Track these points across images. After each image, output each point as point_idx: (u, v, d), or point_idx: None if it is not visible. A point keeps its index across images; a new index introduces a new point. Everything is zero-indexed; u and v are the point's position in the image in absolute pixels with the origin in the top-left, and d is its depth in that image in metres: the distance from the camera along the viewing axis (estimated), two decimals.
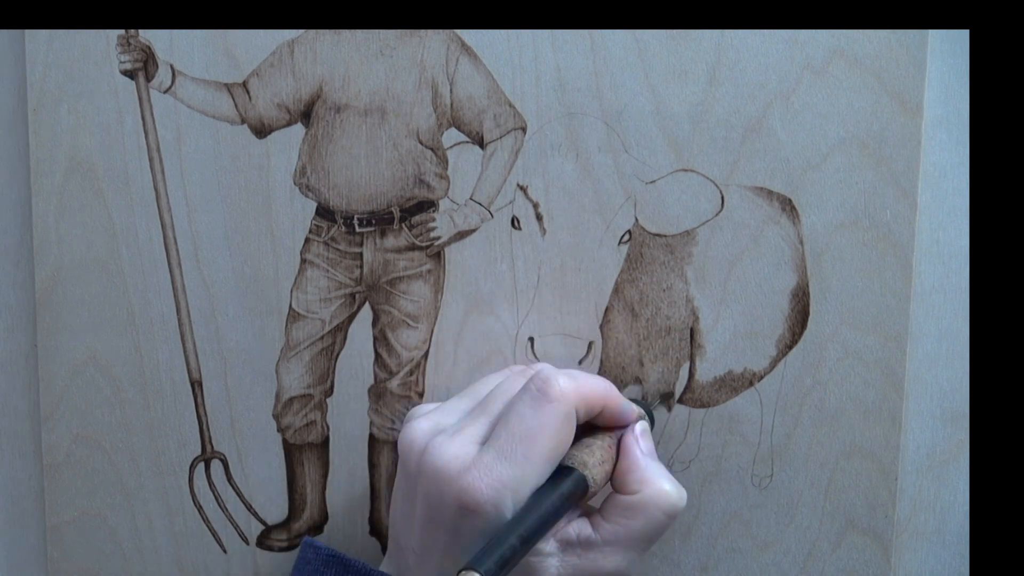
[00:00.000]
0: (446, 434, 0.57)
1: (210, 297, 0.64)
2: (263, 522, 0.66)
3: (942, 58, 0.61)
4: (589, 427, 0.59)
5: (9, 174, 0.64)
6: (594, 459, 0.57)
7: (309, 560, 0.61)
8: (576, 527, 0.57)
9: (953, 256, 0.63)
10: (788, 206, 0.62)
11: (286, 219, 0.63)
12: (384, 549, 0.66)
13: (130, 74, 0.63)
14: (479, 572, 0.51)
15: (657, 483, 0.57)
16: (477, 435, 0.57)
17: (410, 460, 0.57)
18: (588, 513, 0.58)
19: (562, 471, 0.56)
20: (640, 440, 0.59)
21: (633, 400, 0.62)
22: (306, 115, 0.63)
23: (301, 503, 0.66)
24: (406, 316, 0.64)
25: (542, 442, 0.55)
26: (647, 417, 0.61)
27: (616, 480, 0.58)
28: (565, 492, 0.55)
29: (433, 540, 0.56)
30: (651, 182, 0.62)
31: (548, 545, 0.56)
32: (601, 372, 0.64)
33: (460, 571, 0.51)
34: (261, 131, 0.63)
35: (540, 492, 0.55)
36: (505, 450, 0.55)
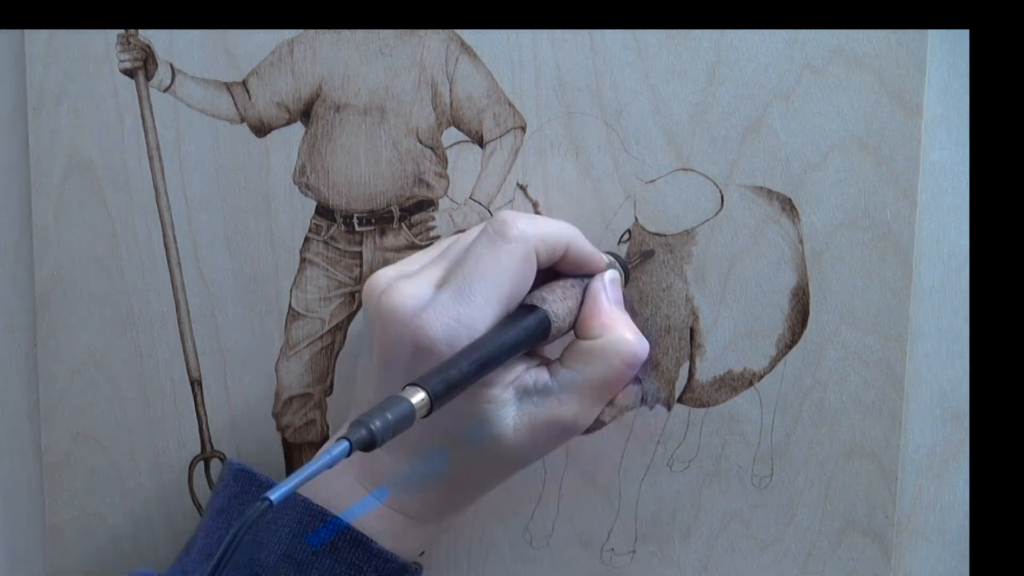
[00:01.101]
0: (406, 278, 0.56)
1: (210, 296, 0.64)
2: None
3: (942, 58, 0.61)
4: (553, 275, 0.58)
5: (9, 174, 0.64)
6: (554, 295, 0.56)
7: (222, 476, 0.60)
8: (533, 374, 0.56)
9: (953, 255, 0.63)
10: (788, 206, 0.62)
11: (286, 218, 0.63)
12: None
13: (130, 73, 0.63)
14: (424, 388, 0.49)
15: (619, 330, 0.56)
16: (436, 277, 0.56)
17: (370, 304, 0.57)
18: (548, 363, 0.57)
19: (522, 309, 0.55)
20: (608, 287, 0.58)
21: (609, 253, 0.61)
22: (306, 114, 0.63)
23: None
24: None
25: (499, 282, 0.54)
26: (619, 268, 0.60)
27: (578, 326, 0.57)
28: (523, 325, 0.54)
29: (388, 386, 0.54)
30: (651, 181, 0.62)
31: (505, 392, 0.55)
32: None
33: (405, 387, 0.49)
34: (261, 130, 0.63)
35: (497, 327, 0.54)
36: (461, 289, 0.54)
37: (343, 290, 0.64)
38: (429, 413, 0.50)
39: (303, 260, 0.64)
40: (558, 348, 0.58)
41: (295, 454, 0.65)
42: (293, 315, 0.64)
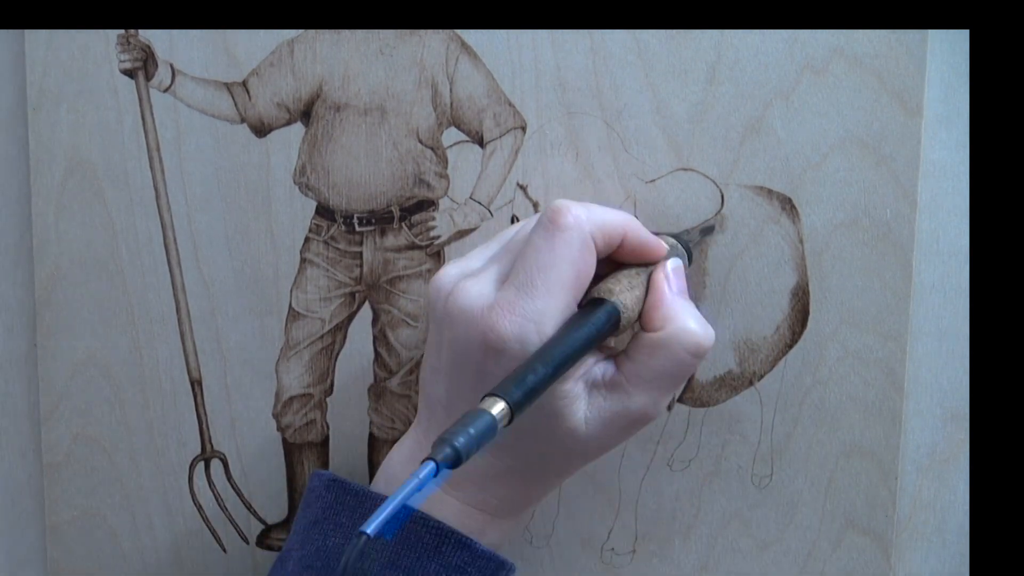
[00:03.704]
0: (471, 277, 0.56)
1: (210, 296, 0.64)
2: (263, 521, 0.66)
3: (942, 58, 0.61)
4: (615, 265, 0.57)
5: (9, 174, 0.64)
6: (620, 286, 0.55)
7: (314, 488, 0.60)
8: (602, 367, 0.56)
9: (953, 255, 0.63)
10: (788, 205, 0.62)
11: (286, 218, 0.63)
12: None
13: (130, 73, 0.63)
14: (504, 399, 0.49)
15: (682, 320, 0.56)
16: (499, 274, 0.56)
17: (437, 305, 0.56)
18: (614, 355, 0.57)
19: (590, 303, 0.55)
20: (671, 277, 0.57)
21: (668, 235, 0.60)
22: (306, 114, 0.63)
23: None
24: (406, 315, 0.64)
25: (559, 271, 0.54)
26: (685, 254, 0.60)
27: (643, 317, 0.57)
28: (593, 320, 0.54)
29: (460, 387, 0.55)
30: (651, 181, 0.62)
31: (576, 387, 0.55)
32: None
33: (483, 399, 0.49)
34: (261, 130, 0.63)
35: (568, 323, 0.54)
36: (523, 284, 0.54)
37: (343, 290, 0.64)
38: (510, 422, 0.49)
39: (303, 260, 0.64)
40: (624, 337, 0.58)
41: (295, 454, 0.65)
42: (293, 315, 0.64)
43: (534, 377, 0.50)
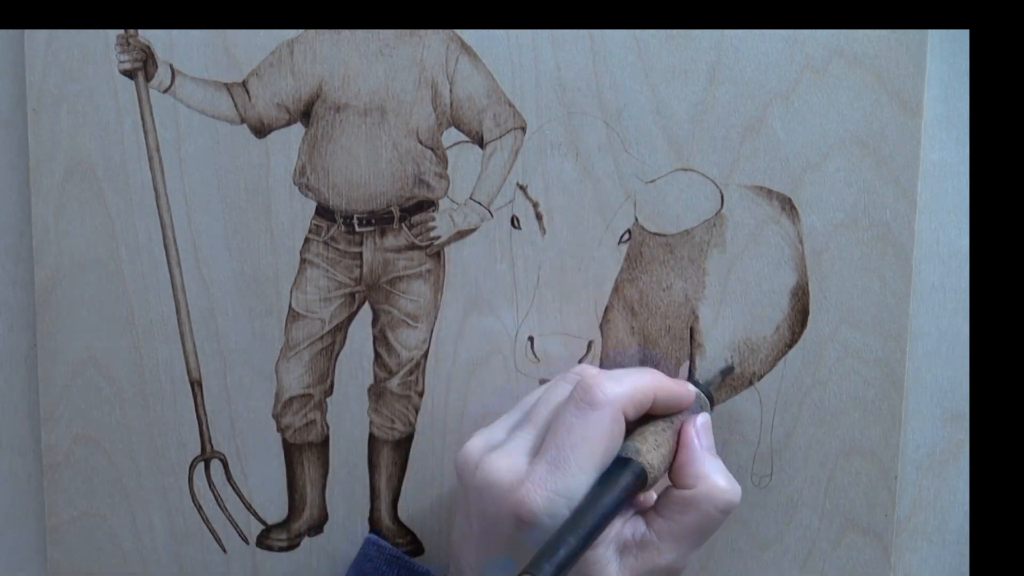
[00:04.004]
0: (497, 449, 0.57)
1: (210, 297, 0.64)
2: (263, 522, 0.66)
3: (942, 58, 0.61)
4: (644, 418, 0.58)
5: (9, 174, 0.64)
6: (647, 445, 0.56)
7: (371, 558, 0.61)
8: (631, 526, 0.57)
9: (953, 255, 0.63)
10: (788, 205, 0.62)
11: (286, 219, 0.63)
12: None
13: (130, 74, 0.63)
14: None
15: (712, 479, 0.57)
16: (526, 447, 0.57)
17: (465, 478, 0.57)
18: (642, 512, 0.58)
19: (617, 463, 0.56)
20: (700, 433, 0.59)
21: (690, 382, 0.61)
22: (306, 115, 0.63)
23: (301, 503, 0.66)
24: (406, 316, 0.64)
25: (592, 449, 0.55)
26: (707, 400, 0.60)
27: (673, 473, 0.58)
28: (621, 483, 0.55)
29: (491, 556, 0.56)
30: (651, 181, 0.62)
31: (607, 552, 0.56)
32: None
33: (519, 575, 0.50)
34: (261, 131, 0.63)
35: (595, 487, 0.55)
36: (556, 461, 0.55)
37: (343, 291, 0.64)
38: None
39: (303, 261, 0.64)
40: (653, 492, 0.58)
41: (295, 454, 0.65)
42: (293, 316, 0.64)
43: (566, 551, 0.51)
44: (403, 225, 0.63)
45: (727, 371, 0.63)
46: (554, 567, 0.50)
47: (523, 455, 0.56)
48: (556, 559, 0.51)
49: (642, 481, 0.56)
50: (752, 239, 0.62)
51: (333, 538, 0.66)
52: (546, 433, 0.56)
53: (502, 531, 0.55)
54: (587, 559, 0.55)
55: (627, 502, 0.55)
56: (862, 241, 0.62)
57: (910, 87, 0.61)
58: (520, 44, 0.61)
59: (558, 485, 0.54)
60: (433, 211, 0.63)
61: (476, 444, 0.58)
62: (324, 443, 0.65)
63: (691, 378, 0.63)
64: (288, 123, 0.63)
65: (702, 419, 0.59)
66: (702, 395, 0.60)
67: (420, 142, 0.62)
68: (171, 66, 0.62)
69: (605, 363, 0.64)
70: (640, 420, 0.58)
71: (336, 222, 0.63)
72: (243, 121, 0.63)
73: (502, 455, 0.56)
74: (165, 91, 0.63)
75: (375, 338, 0.64)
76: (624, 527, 0.57)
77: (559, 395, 0.58)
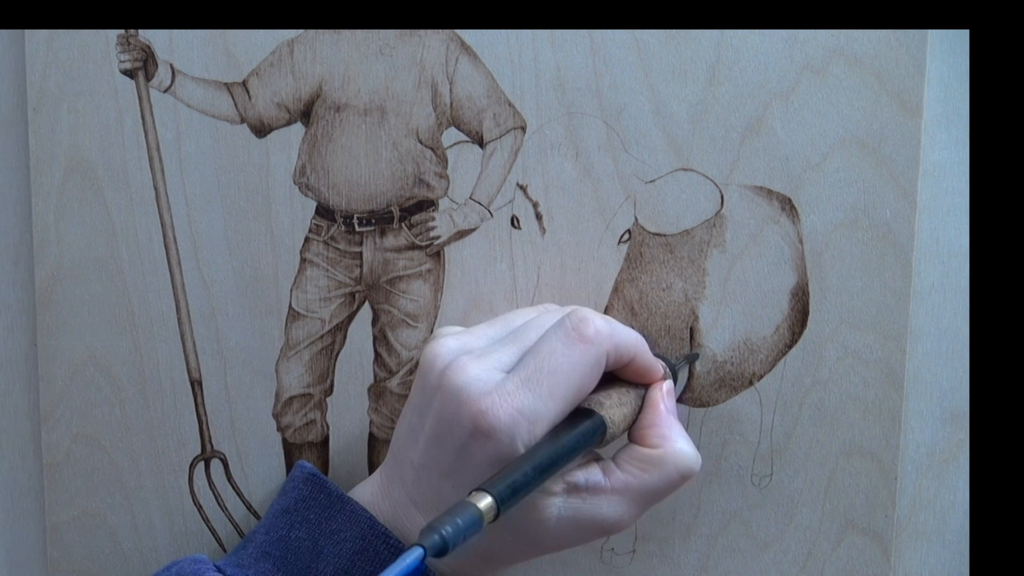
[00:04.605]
0: (472, 355, 0.56)
1: (210, 297, 0.64)
2: None
3: (942, 58, 0.61)
4: (610, 378, 0.58)
5: (9, 174, 0.64)
6: (611, 401, 0.57)
7: (293, 477, 0.61)
8: (585, 472, 0.57)
9: (953, 255, 0.63)
10: (788, 205, 0.62)
11: (286, 218, 0.63)
12: None
13: (130, 74, 0.63)
14: (491, 495, 0.50)
15: (678, 442, 0.57)
16: (503, 362, 0.56)
17: (431, 375, 0.57)
18: (598, 460, 0.58)
19: (579, 413, 0.56)
20: (666, 397, 0.59)
21: (659, 357, 0.61)
22: (306, 114, 0.63)
23: None
24: (406, 315, 0.64)
25: (569, 379, 0.55)
26: (672, 376, 0.61)
27: (637, 432, 0.58)
28: (582, 430, 0.55)
29: (437, 458, 0.55)
30: (651, 181, 0.62)
31: (556, 485, 0.56)
32: None
33: (471, 492, 0.50)
34: (261, 130, 0.63)
35: (556, 429, 0.55)
36: (530, 381, 0.54)
37: (343, 290, 0.64)
38: (496, 519, 0.50)
39: (303, 260, 0.64)
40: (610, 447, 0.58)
41: (295, 454, 0.65)
42: (293, 315, 0.64)
43: (523, 479, 0.52)
44: (403, 225, 0.63)
45: (692, 358, 0.63)
46: (511, 491, 0.51)
47: (498, 369, 0.56)
48: (513, 484, 0.51)
49: (601, 434, 0.56)
50: (752, 239, 0.62)
51: None
52: (526, 354, 0.56)
53: (455, 436, 0.55)
54: (532, 493, 0.55)
55: (584, 450, 0.56)
56: (862, 241, 0.62)
57: (910, 87, 0.61)
58: (520, 44, 0.61)
59: (525, 404, 0.54)
60: (433, 211, 0.63)
61: (449, 344, 0.57)
62: (324, 443, 0.65)
63: (660, 353, 0.62)
64: (288, 123, 0.63)
65: (668, 384, 0.59)
66: (668, 371, 0.60)
67: (420, 142, 0.63)
68: (171, 66, 0.62)
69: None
70: (606, 380, 0.58)
71: (336, 222, 0.63)
72: (243, 121, 0.63)
73: (476, 362, 0.56)
74: (165, 91, 0.63)
75: (375, 338, 0.65)
76: (578, 471, 0.56)
77: (549, 323, 0.57)
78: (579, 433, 0.55)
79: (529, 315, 0.60)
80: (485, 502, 0.50)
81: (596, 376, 0.56)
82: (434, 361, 0.57)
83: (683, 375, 0.63)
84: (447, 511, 0.49)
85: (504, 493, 0.51)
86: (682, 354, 0.63)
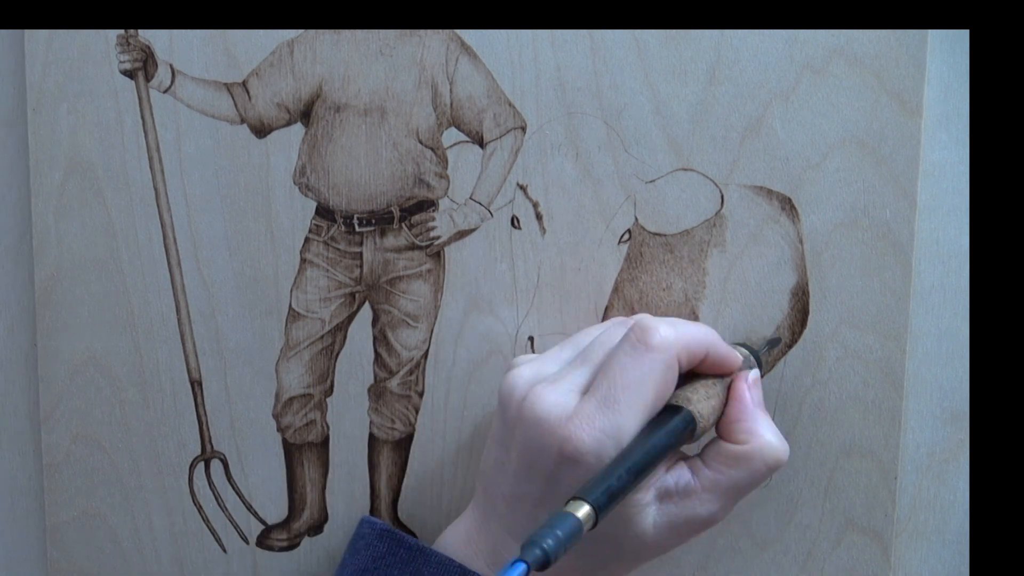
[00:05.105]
0: (547, 382, 0.56)
1: (210, 297, 0.64)
2: (263, 522, 0.66)
3: (942, 58, 0.61)
4: (692, 374, 0.58)
5: (9, 174, 0.64)
6: (698, 395, 0.56)
7: (363, 535, 0.60)
8: (675, 475, 0.56)
9: (953, 255, 0.63)
10: (788, 205, 0.62)
11: (286, 219, 0.63)
12: None
13: (130, 74, 0.63)
14: (588, 502, 0.49)
15: (765, 435, 0.57)
16: (578, 384, 0.56)
17: (510, 407, 0.57)
18: (687, 460, 0.57)
19: (668, 410, 0.55)
20: (752, 388, 0.58)
21: (740, 345, 0.61)
22: (306, 115, 0.63)
23: (301, 503, 0.66)
24: (406, 316, 0.64)
25: (644, 392, 0.54)
26: (756, 363, 0.60)
27: (723, 427, 0.58)
28: (671, 427, 0.55)
29: (528, 488, 0.55)
30: (651, 181, 0.62)
31: (647, 495, 0.55)
32: None
33: (568, 501, 0.50)
34: (261, 131, 0.63)
35: (645, 430, 0.54)
36: (607, 400, 0.54)
37: (343, 291, 0.64)
38: (595, 526, 0.50)
39: (303, 261, 0.64)
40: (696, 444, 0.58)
41: (295, 454, 0.65)
42: (293, 316, 0.64)
43: (617, 483, 0.51)
44: (403, 225, 0.63)
45: (774, 342, 0.62)
46: (606, 496, 0.50)
47: (574, 392, 0.56)
48: (609, 489, 0.51)
49: (691, 429, 0.55)
50: (752, 239, 0.62)
51: (333, 538, 0.66)
52: (599, 373, 0.56)
53: (543, 465, 0.55)
54: (627, 500, 0.54)
55: (676, 447, 0.55)
56: (862, 241, 0.62)
57: (910, 87, 0.61)
58: (520, 44, 0.61)
59: (607, 424, 0.54)
60: (433, 211, 0.63)
61: (524, 374, 0.57)
62: (324, 443, 0.65)
63: (740, 341, 0.62)
64: (288, 123, 0.63)
65: (754, 375, 0.59)
66: (751, 357, 0.60)
67: (420, 142, 0.63)
68: (171, 66, 0.62)
69: None
70: (688, 376, 0.57)
71: (336, 222, 0.63)
72: (243, 121, 0.63)
73: (552, 389, 0.56)
74: (165, 91, 0.63)
75: (375, 338, 0.64)
76: (667, 475, 0.56)
77: (616, 337, 0.57)
78: (669, 430, 0.54)
79: (597, 332, 0.59)
80: (583, 510, 0.49)
81: (672, 381, 0.56)
82: (512, 393, 0.57)
83: (766, 359, 0.63)
84: (544, 523, 0.48)
85: (600, 499, 0.50)
86: (763, 338, 0.63)
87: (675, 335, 0.56)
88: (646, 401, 0.55)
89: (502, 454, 0.57)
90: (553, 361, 0.58)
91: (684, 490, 0.56)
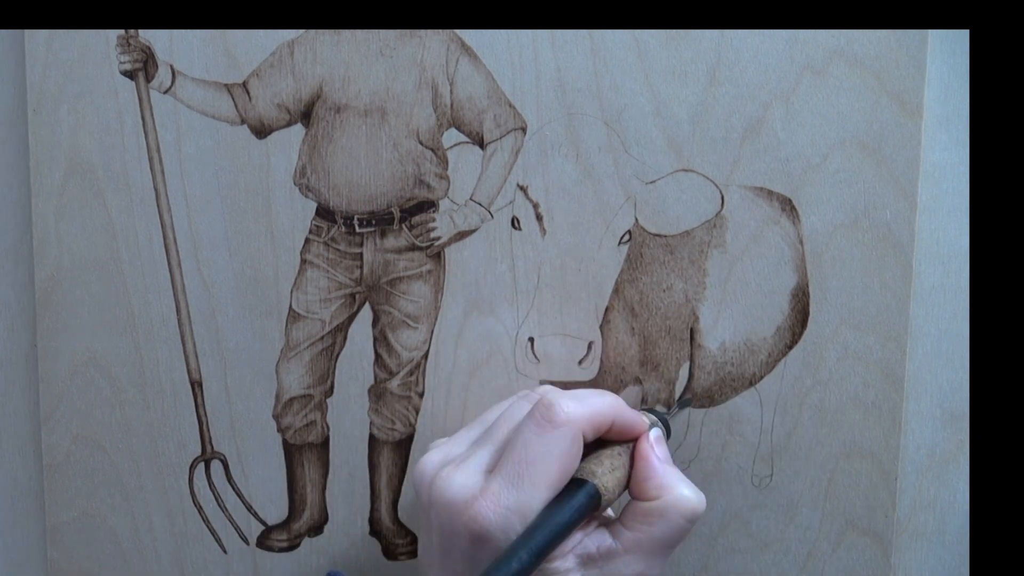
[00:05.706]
0: (453, 464, 0.57)
1: (210, 297, 0.64)
2: (263, 522, 0.66)
3: (942, 58, 0.61)
4: (599, 442, 0.58)
5: (9, 174, 0.64)
6: (603, 468, 0.57)
7: None
8: (596, 539, 0.57)
9: (953, 256, 0.63)
10: (788, 206, 0.62)
11: (286, 219, 0.63)
12: (384, 549, 0.66)
13: (130, 74, 0.63)
14: None
15: (677, 488, 0.57)
16: (483, 463, 0.57)
17: (421, 492, 0.58)
18: (607, 524, 0.58)
19: (572, 484, 0.56)
20: (655, 447, 0.59)
21: (649, 410, 0.62)
22: (306, 115, 0.63)
23: (301, 503, 0.66)
24: (406, 316, 0.64)
25: (548, 467, 0.55)
26: (660, 425, 0.61)
27: (635, 488, 0.58)
28: (575, 503, 0.55)
29: (453, 568, 0.56)
30: (651, 182, 0.62)
31: (567, 563, 0.56)
32: (601, 372, 0.64)
33: None
34: (261, 131, 0.63)
35: (550, 506, 0.55)
36: (511, 477, 0.55)
37: (343, 291, 0.64)
38: None
39: (303, 261, 0.64)
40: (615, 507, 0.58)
41: (295, 455, 0.65)
42: (293, 316, 0.64)
43: (518, 564, 0.52)
44: (403, 226, 0.63)
45: (685, 403, 0.63)
46: None
47: (479, 471, 0.56)
48: (509, 570, 0.52)
49: (596, 502, 0.56)
50: (752, 240, 0.62)
51: (333, 539, 0.66)
52: (504, 450, 0.56)
53: (459, 546, 0.55)
54: (547, 572, 0.55)
55: (580, 522, 0.56)
56: (862, 242, 0.62)
57: (910, 87, 0.61)
58: (520, 44, 0.61)
59: (511, 502, 0.54)
60: (433, 212, 0.63)
61: (433, 458, 0.58)
62: (324, 444, 0.65)
63: (647, 407, 0.63)
64: (288, 124, 0.63)
65: (655, 433, 0.59)
66: (658, 422, 0.61)
67: (420, 143, 0.62)
68: (171, 66, 0.62)
69: (605, 364, 0.64)
70: (595, 444, 0.58)
71: (336, 223, 0.63)
72: (243, 122, 0.63)
73: (457, 470, 0.56)
74: (165, 92, 0.63)
75: (375, 339, 0.64)
76: (587, 540, 0.57)
77: (520, 413, 0.58)
78: (573, 507, 0.55)
79: (502, 408, 0.60)
80: None
81: (577, 455, 0.56)
82: (422, 479, 0.58)
83: (680, 417, 0.63)
84: None
85: None
86: (674, 401, 0.63)
87: (579, 410, 0.56)
88: (551, 477, 0.55)
89: (427, 539, 0.58)
90: (461, 442, 0.59)
91: (607, 553, 0.56)
